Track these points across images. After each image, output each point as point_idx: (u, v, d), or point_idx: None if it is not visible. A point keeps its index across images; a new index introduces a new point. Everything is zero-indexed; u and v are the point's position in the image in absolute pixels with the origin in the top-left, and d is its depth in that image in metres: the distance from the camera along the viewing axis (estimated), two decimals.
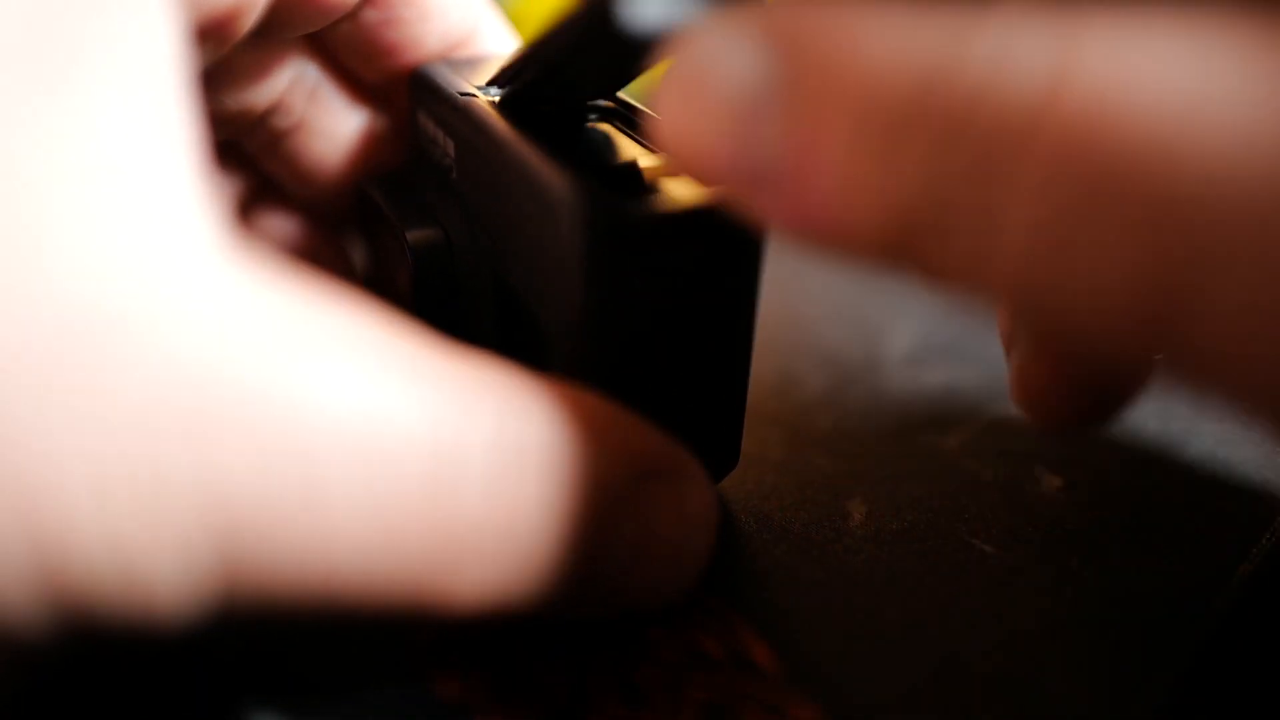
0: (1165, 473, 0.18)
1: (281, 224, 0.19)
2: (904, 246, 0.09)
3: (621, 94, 0.17)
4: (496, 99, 0.16)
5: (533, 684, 0.13)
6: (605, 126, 0.16)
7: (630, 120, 0.16)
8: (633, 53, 0.12)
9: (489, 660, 0.13)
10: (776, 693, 0.13)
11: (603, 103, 0.17)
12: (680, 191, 0.13)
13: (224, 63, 0.16)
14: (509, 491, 0.11)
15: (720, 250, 0.13)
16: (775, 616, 0.14)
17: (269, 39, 0.16)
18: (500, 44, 0.19)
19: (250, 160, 0.19)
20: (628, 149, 0.15)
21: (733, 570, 0.15)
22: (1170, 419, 0.20)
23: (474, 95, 0.16)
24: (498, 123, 0.15)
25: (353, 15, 0.17)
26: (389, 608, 0.11)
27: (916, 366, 0.22)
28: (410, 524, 0.11)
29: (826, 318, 0.24)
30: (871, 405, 0.20)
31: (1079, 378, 0.15)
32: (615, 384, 0.13)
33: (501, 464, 0.11)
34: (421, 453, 0.11)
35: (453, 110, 0.16)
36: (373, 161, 0.19)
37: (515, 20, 0.26)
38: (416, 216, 0.18)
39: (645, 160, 0.14)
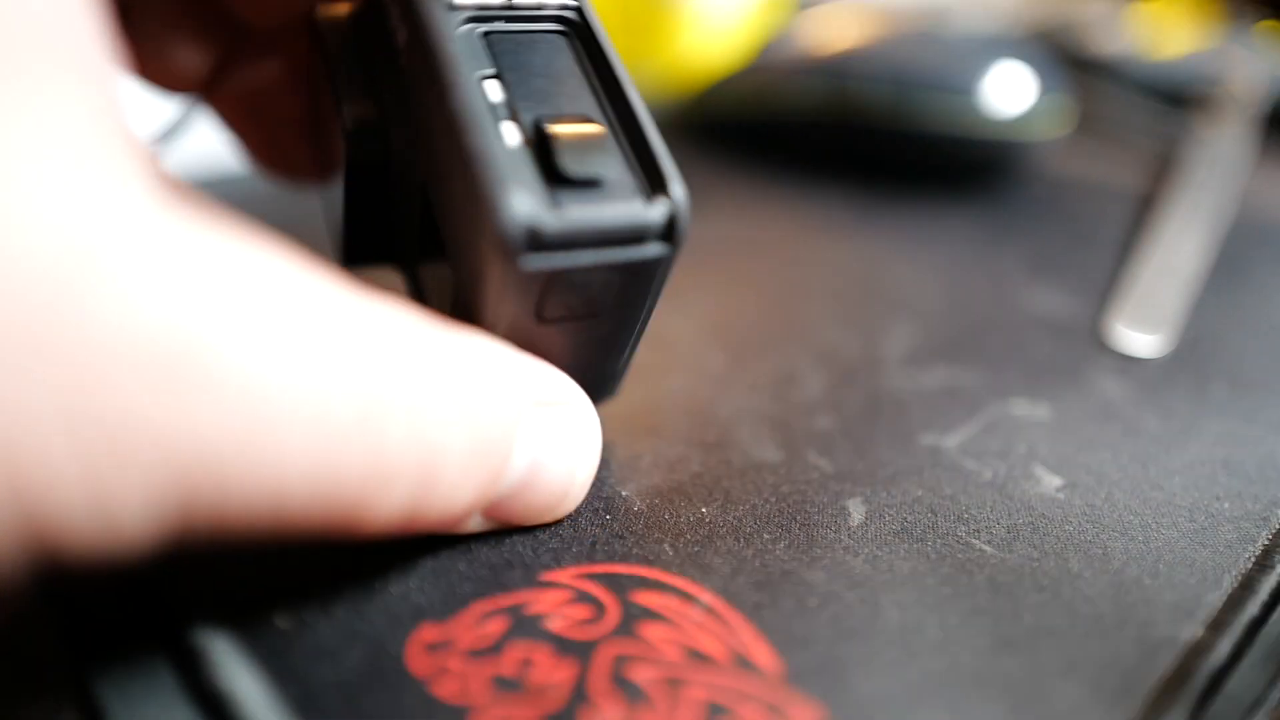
0: (1165, 473, 0.18)
1: (254, 73, 0.20)
2: None
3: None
4: (472, 22, 0.14)
5: (532, 684, 0.13)
6: (562, 44, 0.15)
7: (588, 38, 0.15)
8: None
9: (489, 660, 0.13)
10: (776, 693, 0.13)
11: (566, 12, 0.15)
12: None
13: None
14: (425, 421, 0.13)
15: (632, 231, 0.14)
16: (775, 616, 0.14)
17: None
18: None
19: (220, 16, 0.20)
20: (573, 90, 0.15)
21: (732, 570, 0.15)
22: (1170, 419, 0.20)
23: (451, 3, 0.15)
24: (447, 45, 0.14)
25: None
26: (320, 530, 0.12)
27: (916, 366, 0.22)
28: (346, 457, 0.12)
29: (826, 318, 0.24)
30: (871, 405, 0.20)
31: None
32: (513, 338, 0.15)
33: (419, 395, 0.12)
34: (356, 389, 0.12)
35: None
36: None
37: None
38: (357, 88, 0.16)
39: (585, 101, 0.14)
